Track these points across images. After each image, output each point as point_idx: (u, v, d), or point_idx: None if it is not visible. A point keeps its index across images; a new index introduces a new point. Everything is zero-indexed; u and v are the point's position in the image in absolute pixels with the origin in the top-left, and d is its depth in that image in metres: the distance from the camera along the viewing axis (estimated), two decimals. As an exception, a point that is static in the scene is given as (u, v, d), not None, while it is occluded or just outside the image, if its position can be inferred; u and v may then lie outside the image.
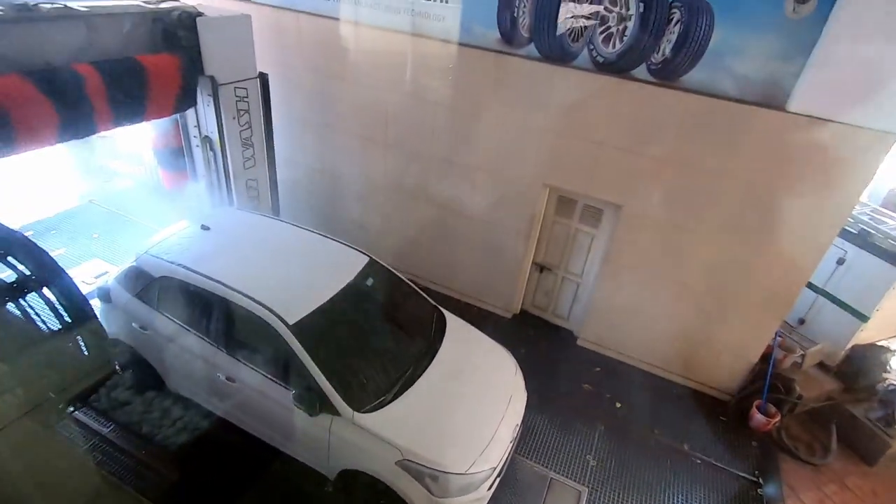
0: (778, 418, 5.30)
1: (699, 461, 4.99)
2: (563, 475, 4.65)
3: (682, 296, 5.37)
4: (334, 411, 3.67)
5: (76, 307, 1.97)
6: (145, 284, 4.27)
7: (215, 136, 5.35)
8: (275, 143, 5.90)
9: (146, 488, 3.89)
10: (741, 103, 4.32)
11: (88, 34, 4.27)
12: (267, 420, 4.08)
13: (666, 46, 4.41)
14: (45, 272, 1.80)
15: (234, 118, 5.35)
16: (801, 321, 6.24)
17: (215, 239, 4.55)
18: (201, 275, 4.03)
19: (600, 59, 4.71)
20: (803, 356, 5.63)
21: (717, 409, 5.64)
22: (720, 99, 4.38)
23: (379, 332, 4.31)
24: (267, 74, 5.55)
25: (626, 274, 5.55)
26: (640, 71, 4.59)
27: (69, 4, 4.21)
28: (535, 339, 6.30)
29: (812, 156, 4.29)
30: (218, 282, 3.96)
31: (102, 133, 5.05)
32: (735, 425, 5.45)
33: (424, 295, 4.86)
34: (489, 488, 3.81)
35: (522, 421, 4.28)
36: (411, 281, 4.93)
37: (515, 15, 4.85)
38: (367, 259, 4.64)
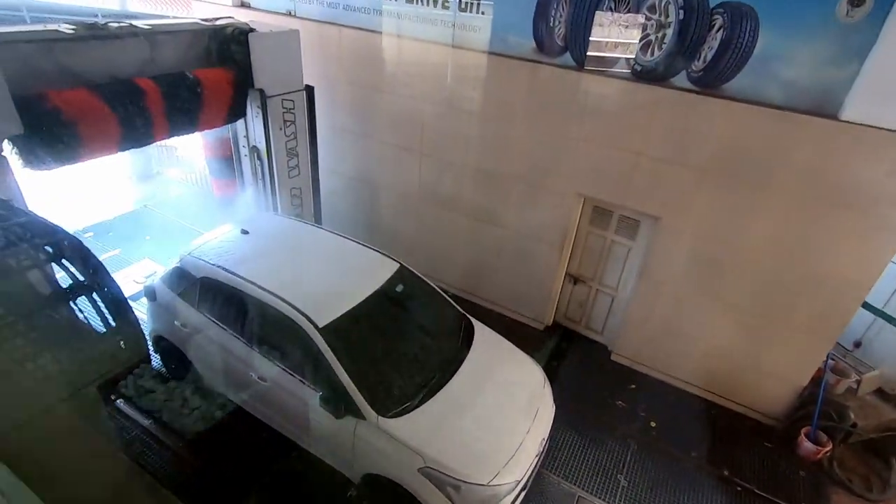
0: (829, 447, 4.94)
1: (740, 488, 4.71)
2: (591, 494, 4.50)
3: (724, 313, 5.12)
4: (359, 415, 3.71)
5: (120, 310, 2.08)
6: (187, 284, 4.48)
7: (263, 147, 5.55)
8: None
9: (169, 475, 4.07)
10: (789, 111, 4.12)
11: (150, 50, 4.54)
12: (295, 420, 4.16)
13: (707, 53, 4.27)
14: (95, 276, 1.92)
15: (280, 129, 5.55)
16: (857, 344, 5.81)
17: (253, 243, 4.72)
18: (238, 276, 4.19)
19: (638, 68, 4.62)
20: (859, 381, 5.23)
21: (761, 434, 5.32)
22: (766, 107, 4.19)
23: (406, 339, 4.34)
24: (313, 87, 5.74)
25: (664, 288, 5.35)
26: (681, 79, 4.47)
27: (134, 23, 4.51)
28: (567, 351, 6.17)
29: (867, 167, 4.02)
30: (253, 283, 4.11)
31: (158, 143, 5.39)
32: (781, 452, 5.12)
33: (453, 303, 4.86)
34: (513, 502, 3.73)
35: (550, 435, 4.18)
36: (442, 289, 4.94)
37: (551, 24, 4.84)
38: (397, 266, 4.70)
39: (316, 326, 3.84)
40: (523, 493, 3.87)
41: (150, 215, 8.11)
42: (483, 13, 5.12)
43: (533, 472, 3.96)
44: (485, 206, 6.08)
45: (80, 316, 2.05)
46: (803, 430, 5.05)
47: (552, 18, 4.81)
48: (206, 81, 4.73)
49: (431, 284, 4.87)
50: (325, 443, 4.07)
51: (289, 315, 3.92)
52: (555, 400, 4.43)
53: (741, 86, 4.23)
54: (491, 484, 3.54)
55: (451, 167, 6.07)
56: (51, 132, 3.74)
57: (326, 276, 4.44)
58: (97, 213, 7.86)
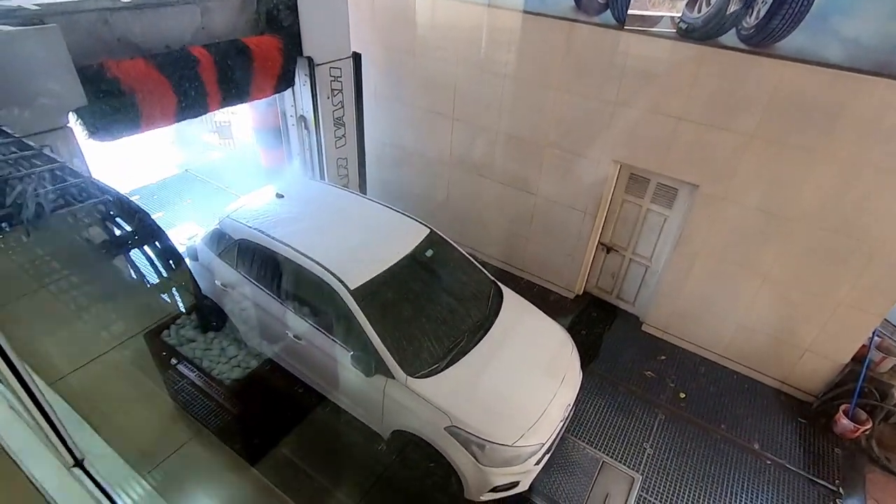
0: (869, 426, 4.79)
1: (770, 462, 4.66)
2: (616, 460, 4.55)
3: (763, 286, 4.95)
4: (389, 374, 3.84)
5: (173, 261, 2.20)
6: (226, 246, 4.66)
7: (310, 116, 5.51)
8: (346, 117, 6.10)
9: (209, 417, 4.35)
10: (849, 71, 3.83)
11: (201, 18, 4.52)
12: (327, 376, 4.35)
13: (761, 9, 3.98)
14: (148, 232, 2.03)
15: (328, 98, 5.49)
16: (909, 322, 5.53)
17: (289, 206, 4.84)
18: (273, 238, 4.32)
19: (684, 26, 4.36)
20: (906, 360, 5.01)
21: (796, 409, 5.21)
22: (823, 66, 3.90)
23: (435, 302, 4.41)
24: (360, 54, 5.62)
25: (700, 259, 5.20)
26: (730, 37, 4.20)
27: None
28: (597, 321, 6.13)
29: (934, 132, 3.73)
30: (288, 246, 4.23)
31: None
32: (816, 429, 5.01)
33: (482, 268, 4.88)
34: (537, 463, 3.83)
35: (577, 402, 4.22)
36: (471, 255, 4.96)
37: (591, -20, 4.60)
38: (427, 231, 4.73)
39: (348, 288, 3.95)
40: (547, 456, 3.96)
41: (191, 180, 8.38)
42: (520, -31, 4.91)
43: (557, 436, 4.03)
44: (517, 172, 5.99)
45: (132, 268, 2.17)
46: (842, 408, 4.91)
47: (593, -27, 4.57)
48: (256, 49, 4.67)
49: (461, 250, 4.90)
50: (356, 399, 4.24)
51: (322, 277, 4.03)
52: (582, 367, 4.45)
53: (796, 44, 3.94)
54: (515, 445, 3.63)
55: (484, 132, 5.98)
56: (110, 103, 3.79)
57: (358, 239, 4.52)
58: (142, 177, 8.19)
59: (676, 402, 5.18)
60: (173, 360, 4.78)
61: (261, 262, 4.44)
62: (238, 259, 4.59)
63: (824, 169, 4.21)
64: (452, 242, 4.87)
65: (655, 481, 4.41)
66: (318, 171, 5.92)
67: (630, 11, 4.52)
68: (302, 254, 4.17)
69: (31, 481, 1.49)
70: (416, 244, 4.54)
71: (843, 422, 4.86)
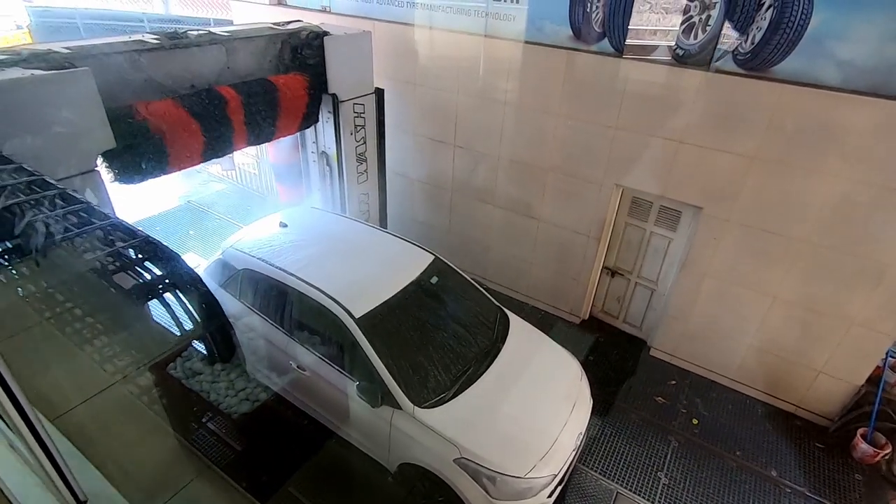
0: (889, 450, 4.66)
1: (789, 490, 4.51)
2: (631, 490, 4.40)
3: (772, 307, 4.90)
4: (395, 404, 3.74)
5: (209, 308, 2.00)
6: (229, 275, 4.62)
7: (332, 152, 5.41)
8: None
9: (215, 454, 4.20)
10: (846, 93, 3.88)
11: (227, 57, 4.49)
12: (334, 409, 4.24)
13: (756, 34, 4.07)
14: (183, 279, 1.90)
15: (351, 134, 5.40)
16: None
17: (292, 235, 4.82)
18: (277, 268, 4.29)
19: (680, 52, 4.45)
20: (922, 381, 4.91)
21: (812, 434, 5.07)
22: (820, 89, 3.96)
23: (441, 330, 4.35)
24: (383, 89, 5.60)
25: (707, 281, 5.16)
26: (726, 62, 4.28)
27: (212, 30, 4.51)
28: (604, 346, 6.04)
29: (935, 150, 3.75)
30: (291, 274, 4.20)
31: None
32: (834, 454, 4.87)
33: (488, 295, 4.83)
34: (549, 496, 3.69)
35: (587, 430, 4.11)
36: (476, 281, 4.92)
37: (588, 10, 4.72)
38: (432, 258, 4.71)
39: (353, 317, 3.90)
40: (560, 488, 3.83)
41: (193, 211, 8.41)
42: (517, 1, 5.04)
43: (570, 466, 3.90)
44: (519, 198, 6.01)
45: (170, 315, 2.07)
46: (859, 432, 4.78)
47: (589, 4, 4.69)
48: (283, 88, 4.62)
49: (466, 276, 4.86)
50: (363, 432, 4.13)
51: (326, 305, 3.99)
52: (592, 394, 4.35)
53: (792, 68, 4.02)
54: (527, 476, 3.51)
55: (486, 159, 6.03)
56: (139, 145, 3.72)
57: (362, 267, 4.49)
58: (144, 208, 8.22)
59: (689, 428, 5.05)
60: (204, 419, 4.62)
61: (264, 291, 4.40)
62: (241, 289, 4.54)
63: (828, 188, 4.22)
64: (457, 269, 4.85)
65: (672, 513, 4.26)
66: (339, 206, 5.79)
67: (628, 39, 4.62)
68: (306, 282, 4.14)
69: (29, 525, 1.42)
70: (421, 271, 4.51)
71: (862, 446, 4.72)
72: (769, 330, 5.02)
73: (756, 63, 4.16)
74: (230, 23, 8.98)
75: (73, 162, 3.32)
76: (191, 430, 4.38)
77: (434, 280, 4.56)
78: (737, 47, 4.18)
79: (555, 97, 5.23)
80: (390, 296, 4.18)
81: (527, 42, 5.15)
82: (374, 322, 3.95)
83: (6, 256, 1.78)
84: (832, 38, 3.79)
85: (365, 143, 5.61)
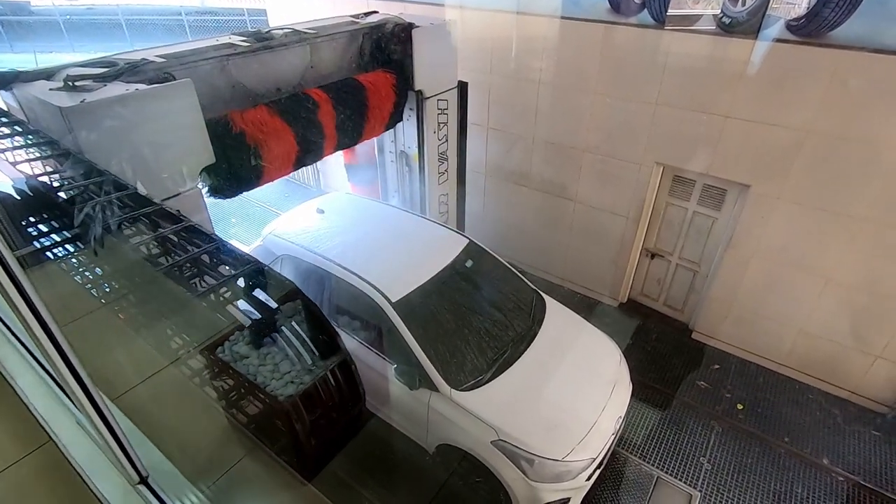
0: (953, 439, 4.40)
1: (842, 479, 4.33)
2: (672, 475, 4.33)
3: (826, 289, 4.65)
4: (433, 387, 3.79)
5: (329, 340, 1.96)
6: (270, 262, 4.75)
7: (411, 151, 5.12)
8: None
9: (261, 435, 4.37)
10: (913, 57, 3.58)
11: (310, 56, 4.21)
12: (374, 391, 4.34)
13: (811, -3, 3.79)
14: (305, 313, 1.88)
15: (434, 132, 5.09)
16: None
17: (329, 221, 4.91)
18: (315, 253, 4.38)
19: (727, 20, 4.20)
20: None
21: (868, 421, 4.83)
22: (884, 54, 3.67)
23: (478, 313, 4.35)
24: (466, 82, 5.24)
25: (754, 262, 4.94)
26: (778, 29, 4.01)
27: (296, 27, 4.21)
28: (643, 329, 5.92)
29: None
30: (329, 260, 4.28)
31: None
32: (892, 442, 4.63)
33: (524, 278, 4.79)
34: (588, 478, 3.68)
35: (627, 414, 4.06)
36: (512, 265, 4.89)
37: (627, -20, 4.51)
38: (466, 241, 4.70)
39: (389, 301, 3.95)
40: (598, 471, 3.81)
41: (235, 200, 8.65)
42: (552, -25, 4.87)
43: (609, 450, 3.87)
44: (555, 179, 5.89)
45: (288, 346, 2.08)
46: (921, 419, 4.53)
47: (628, -27, 4.48)
48: (371, 87, 4.33)
49: (501, 260, 4.83)
50: (401, 413, 4.21)
51: (363, 290, 4.05)
52: (632, 378, 4.28)
53: (854, 32, 3.73)
54: (565, 459, 3.51)
55: (520, 140, 5.92)
56: (235, 158, 3.48)
57: (398, 252, 4.53)
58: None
59: (734, 413, 4.90)
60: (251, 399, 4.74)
61: (304, 277, 4.51)
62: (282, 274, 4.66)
63: (887, 160, 3.94)
64: (492, 252, 4.82)
65: (715, 499, 4.17)
66: (418, 207, 5.50)
67: (670, 9, 4.39)
68: (343, 267, 4.21)
69: (97, 498, 1.52)
70: (456, 255, 4.51)
71: (924, 435, 4.47)
72: (822, 313, 4.78)
73: (812, 29, 3.88)
74: (263, 13, 9.07)
75: (177, 180, 3.11)
76: (241, 409, 4.58)
77: (469, 263, 4.55)
78: (790, 11, 3.91)
79: (592, 74, 5.06)
80: (426, 280, 4.20)
81: (563, 17, 4.98)
82: (410, 306, 3.99)
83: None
84: (899, -3, 3.49)
85: (447, 140, 5.23)
